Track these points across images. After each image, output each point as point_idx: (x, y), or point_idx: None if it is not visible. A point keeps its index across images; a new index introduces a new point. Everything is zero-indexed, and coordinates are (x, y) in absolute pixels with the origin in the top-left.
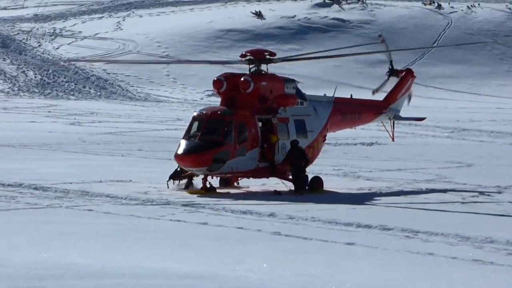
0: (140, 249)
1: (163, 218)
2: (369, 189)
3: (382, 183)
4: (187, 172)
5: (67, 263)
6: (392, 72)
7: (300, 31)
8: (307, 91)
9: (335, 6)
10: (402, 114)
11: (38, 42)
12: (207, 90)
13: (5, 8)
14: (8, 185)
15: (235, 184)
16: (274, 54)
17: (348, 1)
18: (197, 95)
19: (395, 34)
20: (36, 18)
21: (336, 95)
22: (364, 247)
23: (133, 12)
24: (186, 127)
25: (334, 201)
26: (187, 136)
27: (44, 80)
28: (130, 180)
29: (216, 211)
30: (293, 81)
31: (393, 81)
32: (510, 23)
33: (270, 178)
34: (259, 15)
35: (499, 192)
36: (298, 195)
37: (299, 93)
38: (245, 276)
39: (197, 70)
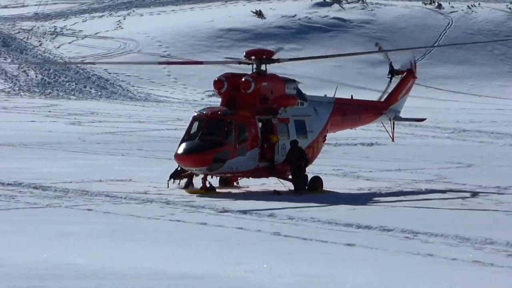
0: (140, 249)
1: (163, 218)
2: (369, 189)
3: (382, 184)
4: (187, 171)
5: (67, 263)
6: (393, 73)
7: (301, 31)
8: (308, 92)
9: (336, 6)
10: (402, 114)
11: (39, 41)
12: (208, 91)
13: (5, 7)
14: (8, 184)
15: (235, 184)
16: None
17: (349, 1)
18: (198, 95)
19: (395, 33)
20: (37, 16)
21: (336, 96)
22: (364, 248)
23: (133, 11)
24: (187, 127)
25: (334, 202)
26: (188, 136)
27: (45, 80)
28: (130, 180)
29: (215, 211)
30: (293, 81)
31: (394, 81)
32: (510, 23)
33: (270, 178)
34: (259, 14)
35: (499, 193)
36: (298, 195)
37: (300, 94)
38: (245, 276)
39: (197, 70)
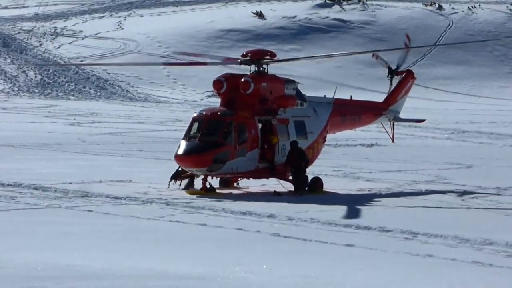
0: (139, 250)
1: (163, 219)
2: (368, 190)
3: (382, 184)
4: (188, 172)
5: (66, 264)
6: (392, 73)
7: (301, 32)
8: (307, 92)
9: (336, 7)
10: (402, 115)
11: (39, 42)
12: (207, 91)
13: (6, 7)
14: (8, 185)
15: (235, 184)
16: (275, 55)
17: (349, 2)
18: (197, 95)
19: (395, 35)
20: (37, 17)
21: (336, 96)
22: (363, 249)
23: (134, 12)
24: (186, 128)
25: (334, 202)
26: (187, 136)
27: (44, 80)
28: (130, 181)
29: (215, 212)
30: (293, 82)
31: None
32: (511, 24)
33: (270, 179)
34: (260, 15)
35: (499, 194)
36: (298, 196)
37: (299, 94)
38: (245, 277)
39: (197, 71)
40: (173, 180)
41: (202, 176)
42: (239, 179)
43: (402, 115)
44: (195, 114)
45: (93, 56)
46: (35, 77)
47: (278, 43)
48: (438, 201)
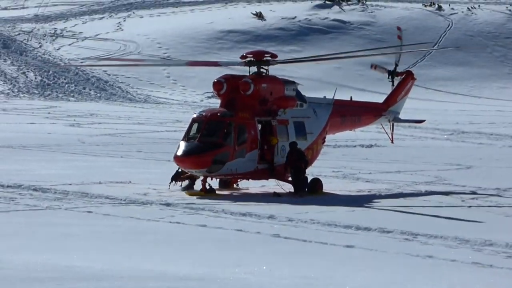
0: (139, 251)
1: (163, 220)
2: (368, 191)
3: (382, 185)
4: (187, 173)
5: (66, 265)
6: (392, 74)
7: (301, 32)
8: (307, 93)
9: (336, 8)
10: (402, 116)
11: (39, 43)
12: (207, 92)
13: (5, 8)
14: (8, 186)
15: (235, 185)
16: (275, 56)
17: (349, 3)
18: (197, 96)
19: (395, 35)
20: (37, 18)
21: (336, 97)
22: (363, 250)
23: (133, 13)
24: (186, 129)
25: (333, 203)
26: (187, 137)
27: (44, 82)
28: (130, 182)
29: (215, 213)
30: (293, 83)
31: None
32: (510, 25)
33: (270, 180)
34: (259, 16)
35: (499, 195)
36: (298, 197)
37: (299, 95)
38: (245, 278)
39: (197, 72)
40: (173, 181)
41: (201, 177)
42: (238, 180)
43: (402, 116)
44: (194, 115)
45: (93, 57)
46: (35, 78)
47: (277, 44)
48: (438, 202)
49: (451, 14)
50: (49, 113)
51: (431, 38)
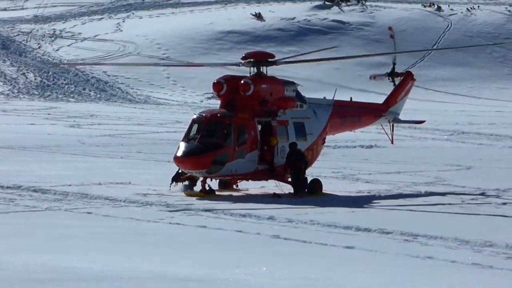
0: (139, 252)
1: (162, 221)
2: (368, 192)
3: (381, 186)
4: (187, 174)
5: (66, 266)
6: (392, 75)
7: (300, 33)
8: (307, 94)
9: (335, 8)
10: (402, 117)
11: (38, 44)
12: (207, 93)
13: (5, 9)
14: (7, 187)
15: (234, 186)
16: (274, 57)
17: (348, 3)
18: (197, 97)
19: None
20: (36, 19)
21: (336, 98)
22: (363, 251)
23: (133, 14)
24: (186, 130)
25: (333, 204)
26: (187, 138)
27: (44, 82)
28: (130, 183)
29: (215, 214)
30: (293, 83)
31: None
32: (509, 26)
33: (269, 181)
34: (258, 16)
35: (498, 195)
36: (298, 198)
37: (299, 96)
38: (245, 279)
39: (197, 73)
40: (174, 182)
41: (201, 178)
42: (238, 181)
43: (401, 117)
44: (194, 116)
45: (93, 58)
46: (35, 79)
47: (277, 44)
48: (438, 203)
49: (451, 14)
50: (49, 114)
51: (430, 38)
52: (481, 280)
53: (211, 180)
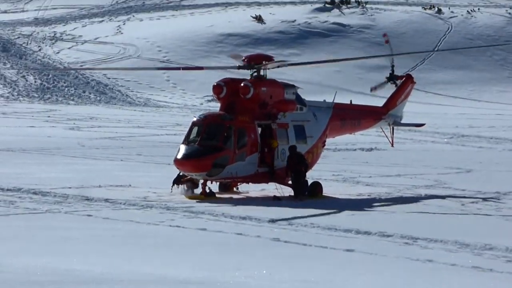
0: (139, 255)
1: (163, 224)
2: (368, 195)
3: (382, 189)
4: (188, 176)
5: (66, 269)
6: (392, 77)
7: (300, 36)
8: (307, 97)
9: (335, 11)
10: (402, 120)
11: (39, 46)
12: (207, 96)
13: (5, 12)
14: (7, 189)
15: (235, 189)
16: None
17: (348, 6)
18: (197, 100)
19: (395, 39)
20: (37, 22)
21: (335, 101)
22: (363, 254)
23: (133, 16)
24: (186, 132)
25: (334, 207)
26: (187, 141)
27: (44, 85)
28: (130, 185)
29: (215, 216)
30: (293, 86)
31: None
32: (510, 28)
33: (270, 184)
34: (259, 19)
35: (499, 198)
36: (298, 201)
37: (299, 99)
38: (245, 282)
39: (197, 76)
40: (175, 185)
41: (201, 181)
42: (238, 183)
43: (401, 119)
44: (194, 119)
45: (94, 60)
46: (35, 81)
47: (277, 47)
48: (438, 206)
49: (451, 17)
50: (49, 116)
51: (430, 41)
52: (481, 283)
53: (212, 183)
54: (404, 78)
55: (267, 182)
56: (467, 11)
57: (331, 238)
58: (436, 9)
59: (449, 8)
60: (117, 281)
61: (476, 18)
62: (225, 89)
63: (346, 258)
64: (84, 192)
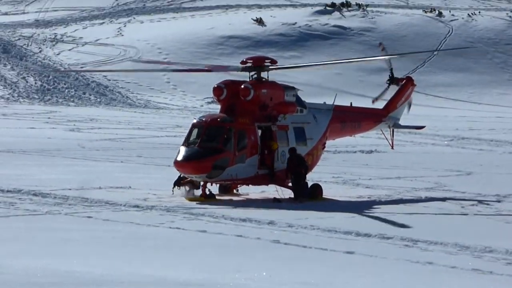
0: (139, 257)
1: (163, 226)
2: (368, 197)
3: (382, 191)
4: (188, 178)
5: (66, 270)
6: (392, 80)
7: (301, 38)
8: (308, 99)
9: (336, 13)
10: (402, 122)
11: (39, 48)
12: (207, 97)
13: (6, 13)
14: (7, 191)
15: (235, 191)
16: (275, 62)
17: (349, 9)
18: (197, 102)
19: (396, 41)
20: (37, 23)
21: (336, 103)
22: (363, 256)
23: (134, 18)
24: (186, 134)
25: (334, 209)
26: (187, 143)
27: (44, 86)
28: (130, 187)
29: (215, 218)
30: (293, 88)
31: (393, 89)
32: (510, 31)
33: (270, 186)
34: (260, 21)
35: (499, 201)
36: (298, 203)
37: (299, 101)
38: (245, 284)
39: (197, 77)
40: (176, 187)
41: (202, 183)
42: (238, 185)
43: (402, 122)
44: (194, 120)
45: (94, 62)
46: (35, 83)
47: (278, 50)
48: (438, 208)
49: (452, 20)
50: (49, 118)
51: (431, 44)
52: (481, 285)
53: (212, 185)
54: (404, 81)
55: (267, 184)
56: (468, 14)
57: (331, 240)
58: (437, 12)
59: (449, 11)
60: (117, 283)
61: (477, 21)
62: (226, 91)
63: (346, 260)
64: (84, 193)
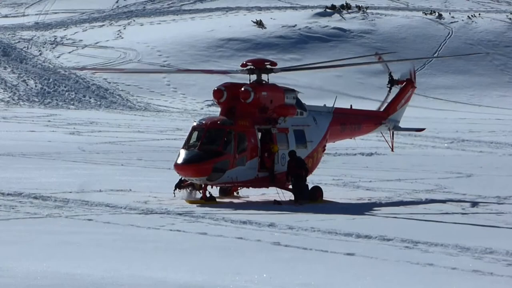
0: (139, 259)
1: (163, 228)
2: (368, 199)
3: (382, 193)
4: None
5: (66, 273)
6: (392, 82)
7: (301, 41)
8: (308, 101)
9: (336, 16)
10: (402, 124)
11: (39, 51)
12: (207, 100)
13: (6, 16)
14: (8, 194)
15: (235, 194)
16: (275, 64)
17: (349, 11)
18: (197, 104)
19: (395, 44)
20: (37, 26)
21: (336, 106)
22: (363, 257)
23: (134, 21)
24: (186, 137)
25: (334, 211)
26: (187, 145)
27: (45, 89)
28: (130, 190)
29: (215, 221)
30: (293, 91)
31: (394, 91)
32: (510, 34)
33: (270, 188)
34: (260, 24)
35: (499, 203)
36: (298, 205)
37: (299, 104)
38: (245, 286)
39: (197, 80)
40: (177, 189)
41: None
42: (239, 188)
43: (402, 124)
44: (195, 123)
45: (94, 65)
46: (35, 86)
47: (278, 52)
48: (438, 210)
49: (451, 22)
50: (49, 121)
51: (431, 46)
52: (482, 287)
53: (212, 188)
54: (404, 83)
55: (267, 187)
56: (468, 16)
57: (331, 242)
58: (437, 14)
59: (449, 13)
60: (117, 285)
61: (477, 24)
62: (226, 94)
63: (347, 262)
64: (84, 196)
